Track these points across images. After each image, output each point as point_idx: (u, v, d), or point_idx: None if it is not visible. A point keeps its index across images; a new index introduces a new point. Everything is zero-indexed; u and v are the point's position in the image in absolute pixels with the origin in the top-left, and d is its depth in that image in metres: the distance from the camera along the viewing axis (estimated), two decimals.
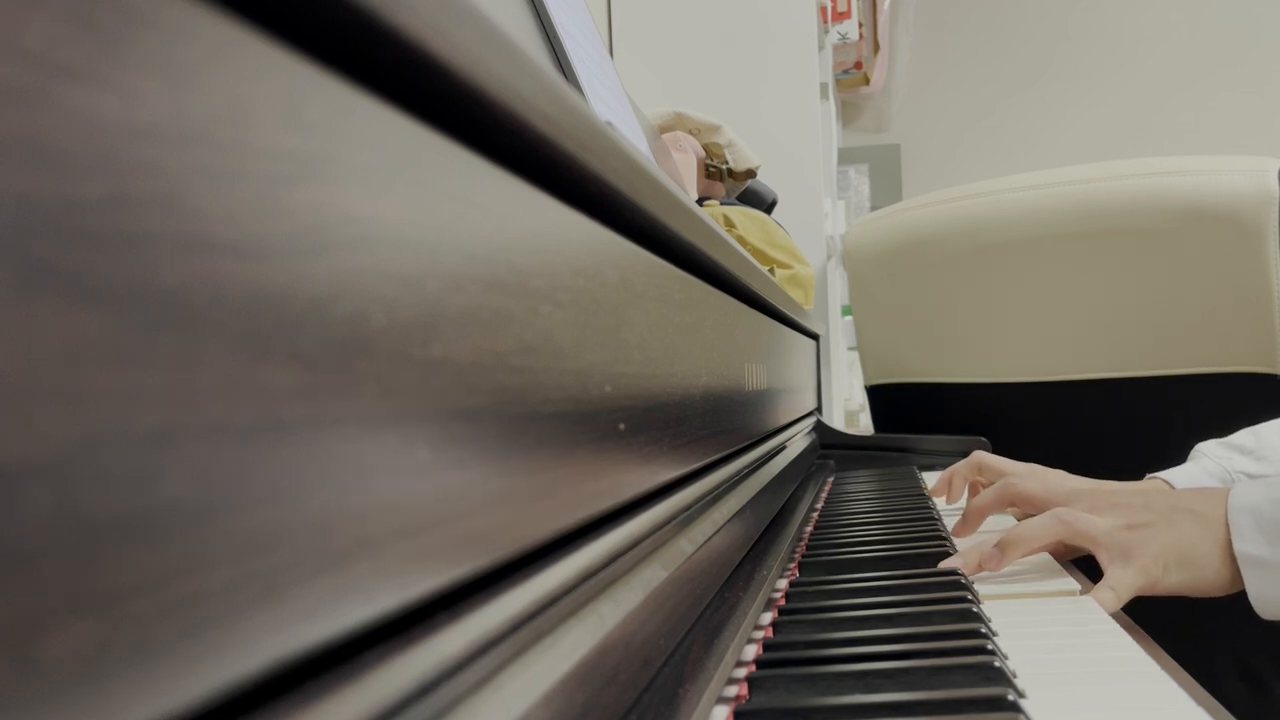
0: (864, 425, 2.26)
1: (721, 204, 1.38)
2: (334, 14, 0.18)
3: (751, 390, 0.70)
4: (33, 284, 0.11)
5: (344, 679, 0.17)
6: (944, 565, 0.62)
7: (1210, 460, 0.84)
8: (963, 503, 0.94)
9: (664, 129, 1.40)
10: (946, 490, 0.95)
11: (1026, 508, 0.74)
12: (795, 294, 1.35)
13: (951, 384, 1.34)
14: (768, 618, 0.52)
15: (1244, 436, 0.85)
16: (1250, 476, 0.81)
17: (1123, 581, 0.58)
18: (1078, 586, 0.59)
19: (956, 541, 0.73)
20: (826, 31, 2.09)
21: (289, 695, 0.16)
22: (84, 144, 0.12)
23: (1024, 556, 0.63)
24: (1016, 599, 0.58)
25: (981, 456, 0.92)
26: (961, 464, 0.94)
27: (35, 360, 0.11)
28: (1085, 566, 0.65)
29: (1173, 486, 0.82)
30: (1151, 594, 0.58)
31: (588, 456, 0.32)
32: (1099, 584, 0.58)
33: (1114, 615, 0.53)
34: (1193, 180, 1.12)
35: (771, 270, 1.33)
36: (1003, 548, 0.61)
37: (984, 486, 0.95)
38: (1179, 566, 0.58)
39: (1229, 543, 0.58)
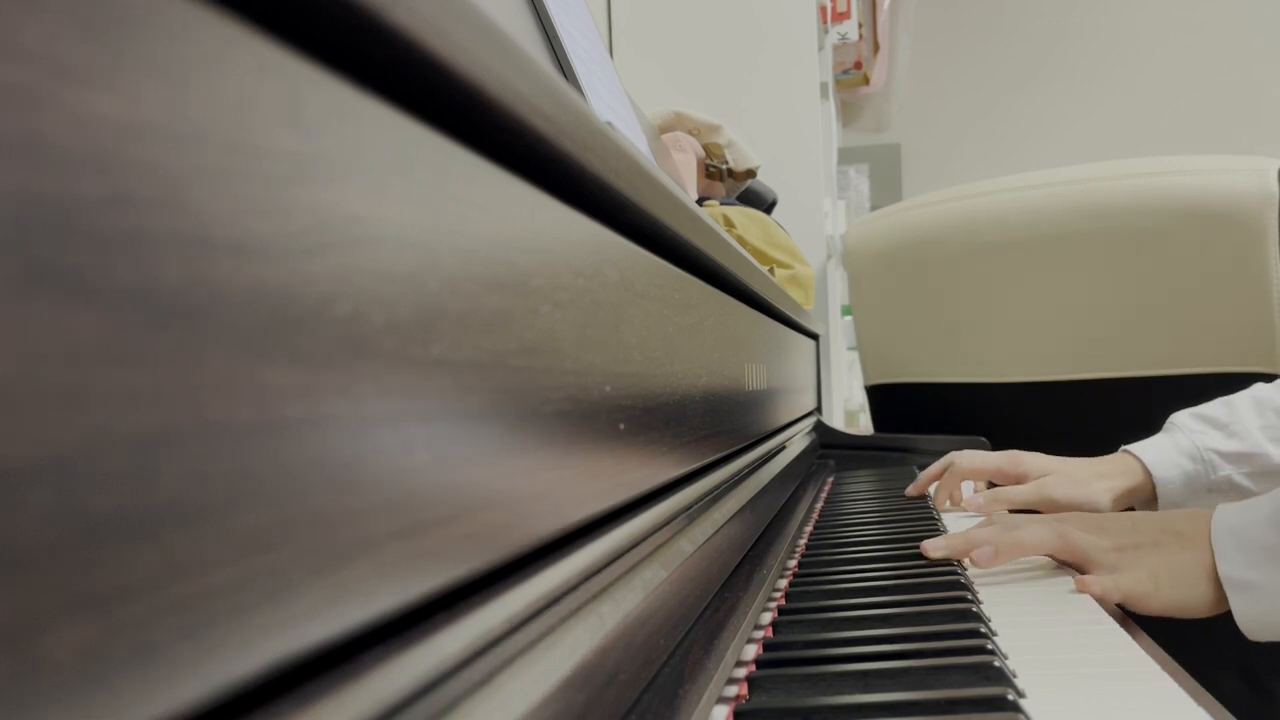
0: (864, 425, 2.26)
1: (721, 204, 1.38)
2: (334, 14, 0.18)
3: (751, 390, 0.70)
4: (33, 284, 0.11)
5: (344, 679, 0.17)
6: (928, 544, 0.63)
7: (1183, 434, 0.85)
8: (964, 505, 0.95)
9: (664, 129, 1.40)
10: (924, 491, 0.95)
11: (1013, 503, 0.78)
12: (795, 294, 1.35)
13: (951, 384, 1.34)
14: (768, 618, 0.52)
15: (1217, 408, 0.86)
16: (1220, 454, 0.82)
17: (1114, 583, 0.59)
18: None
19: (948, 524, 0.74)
20: (826, 31, 2.09)
21: (289, 695, 0.16)
22: (84, 144, 0.12)
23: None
24: (1016, 596, 0.58)
25: (953, 458, 0.92)
26: (934, 467, 0.94)
27: (35, 360, 0.11)
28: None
29: (1143, 462, 0.83)
30: (1141, 610, 0.59)
31: (587, 456, 0.32)
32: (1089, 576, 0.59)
33: (1114, 615, 0.53)
34: (1193, 180, 1.12)
35: (771, 270, 1.32)
36: (999, 551, 0.62)
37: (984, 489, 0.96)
38: (1169, 587, 0.59)
39: (1214, 565, 0.59)
